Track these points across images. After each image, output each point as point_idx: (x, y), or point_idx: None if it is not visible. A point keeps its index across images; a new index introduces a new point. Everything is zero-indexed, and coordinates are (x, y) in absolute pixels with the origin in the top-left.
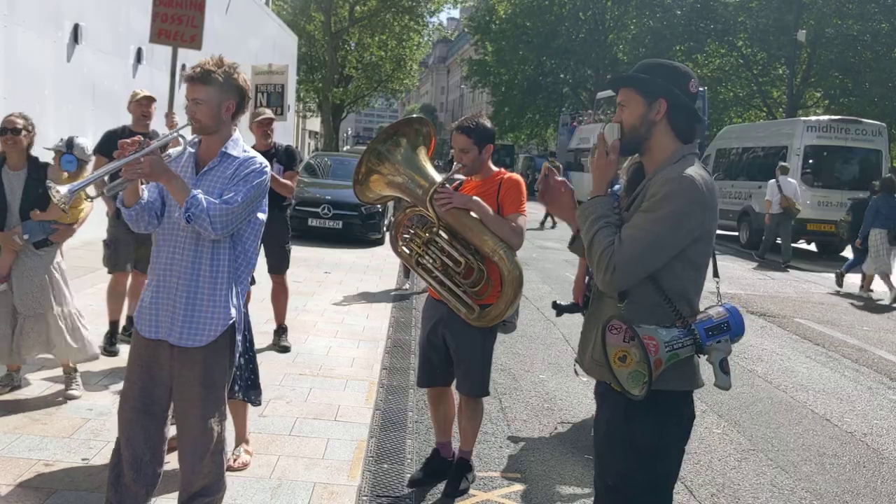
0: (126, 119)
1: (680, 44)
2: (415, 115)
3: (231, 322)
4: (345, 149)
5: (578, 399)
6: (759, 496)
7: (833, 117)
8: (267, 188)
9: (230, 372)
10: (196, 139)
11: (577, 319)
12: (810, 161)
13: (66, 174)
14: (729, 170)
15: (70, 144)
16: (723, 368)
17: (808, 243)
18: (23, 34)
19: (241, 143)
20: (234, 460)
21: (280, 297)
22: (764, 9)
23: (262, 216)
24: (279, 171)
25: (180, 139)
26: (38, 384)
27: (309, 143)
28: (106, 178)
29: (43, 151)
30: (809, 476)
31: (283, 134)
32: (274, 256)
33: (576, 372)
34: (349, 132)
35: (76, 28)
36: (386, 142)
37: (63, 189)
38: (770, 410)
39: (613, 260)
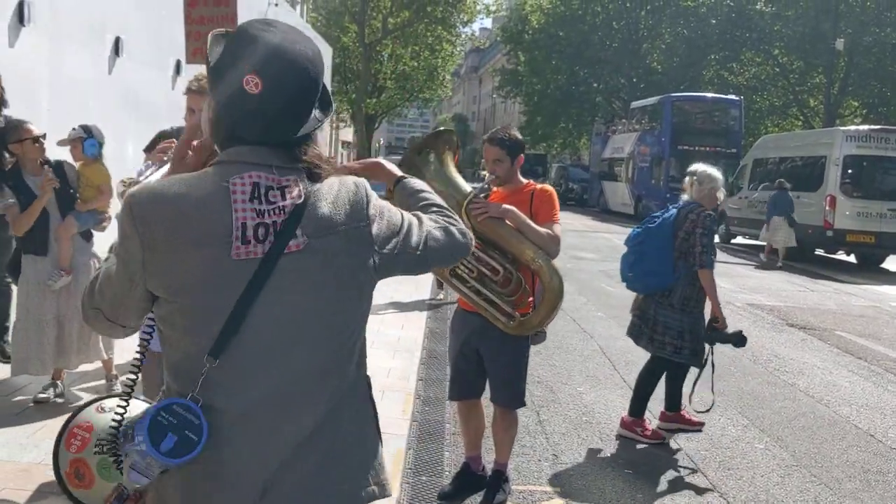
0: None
1: (714, 52)
2: (441, 129)
3: None
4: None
5: (617, 413)
6: None
7: (873, 127)
8: None
9: None
10: None
11: (613, 331)
12: (849, 171)
13: (86, 159)
14: (766, 180)
15: (88, 130)
16: (129, 469)
17: (848, 254)
18: (67, 47)
19: None
20: None
21: None
22: (801, 17)
23: None
24: None
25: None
26: (79, 392)
27: (342, 154)
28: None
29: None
30: (854, 493)
31: (318, 144)
32: None
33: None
34: (381, 142)
35: (117, 41)
36: (418, 155)
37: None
38: (813, 425)
39: (87, 290)
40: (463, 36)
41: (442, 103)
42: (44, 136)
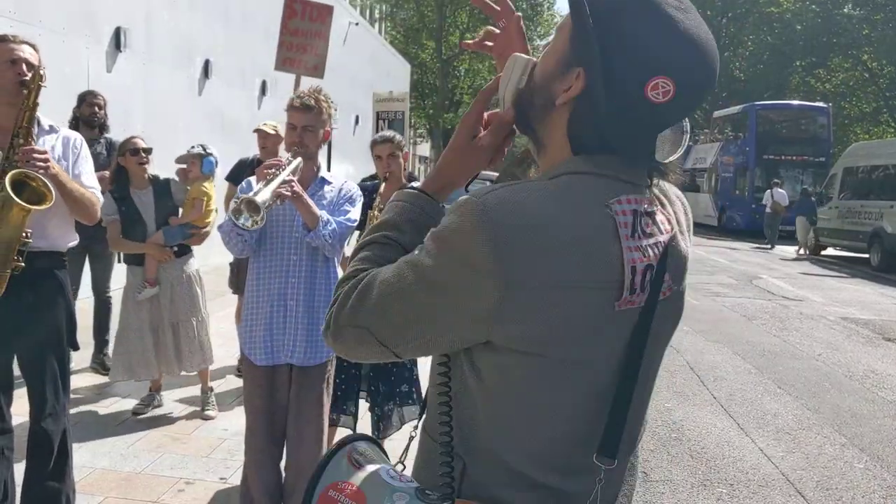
0: (252, 149)
1: (800, 59)
2: None
3: None
4: None
5: (707, 429)
6: None
7: None
8: None
9: None
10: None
11: (700, 346)
12: None
13: (200, 176)
14: (857, 189)
15: (205, 148)
16: None
17: None
18: (160, 70)
19: None
20: None
21: None
22: (891, 20)
23: None
24: None
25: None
26: (174, 404)
27: (419, 169)
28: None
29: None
30: None
31: None
32: None
33: None
34: None
35: (206, 63)
36: (518, 167)
37: (263, 196)
38: None
39: (341, 302)
40: (540, 48)
41: None
42: (147, 151)
